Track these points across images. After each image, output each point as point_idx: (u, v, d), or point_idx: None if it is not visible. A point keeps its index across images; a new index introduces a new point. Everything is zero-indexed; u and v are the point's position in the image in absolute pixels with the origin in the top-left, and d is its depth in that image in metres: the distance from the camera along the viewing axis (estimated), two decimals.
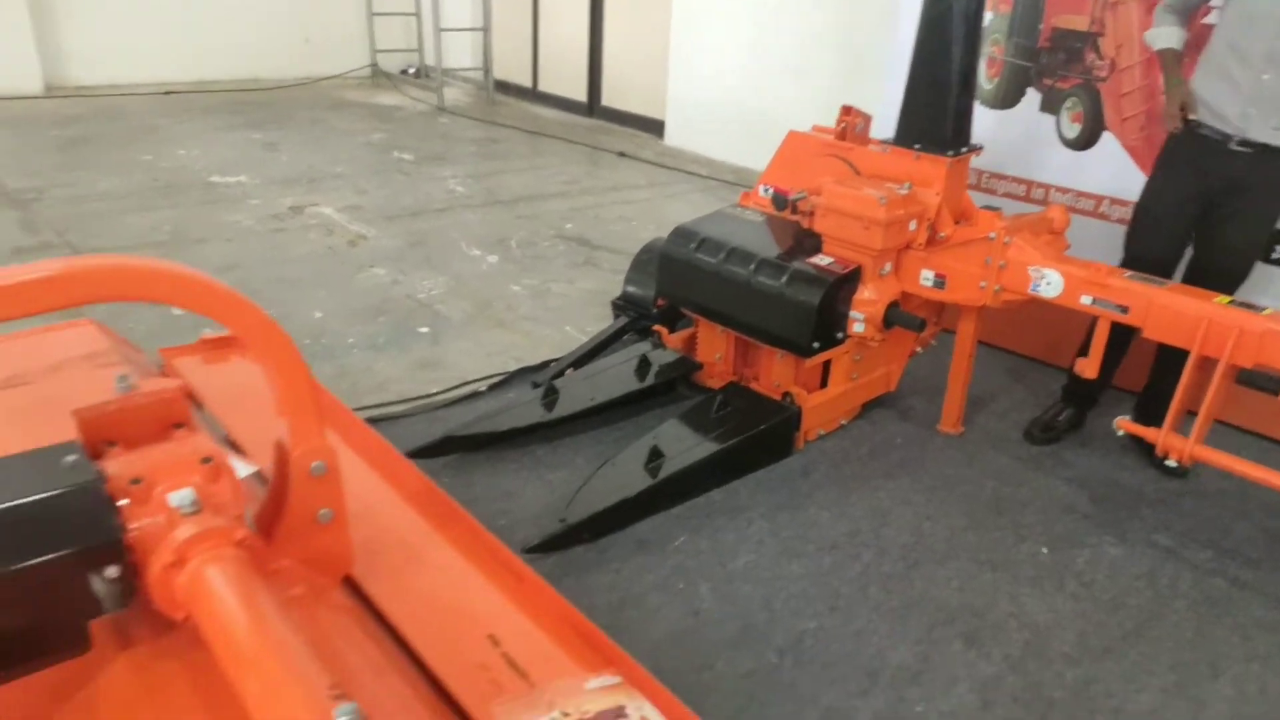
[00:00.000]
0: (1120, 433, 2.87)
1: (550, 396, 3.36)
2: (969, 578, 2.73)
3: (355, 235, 5.33)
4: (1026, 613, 2.60)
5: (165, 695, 1.37)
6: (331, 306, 4.35)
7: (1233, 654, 2.47)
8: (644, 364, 3.59)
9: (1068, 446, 3.49)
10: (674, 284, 3.59)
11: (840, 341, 3.29)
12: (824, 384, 3.45)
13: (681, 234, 3.57)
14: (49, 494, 1.33)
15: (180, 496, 1.39)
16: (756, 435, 3.20)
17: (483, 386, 3.69)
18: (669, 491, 2.97)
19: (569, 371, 3.69)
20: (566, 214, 6.03)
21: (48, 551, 1.29)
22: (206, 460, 1.50)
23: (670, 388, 3.68)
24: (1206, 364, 2.67)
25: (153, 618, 1.47)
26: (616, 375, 3.56)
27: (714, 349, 3.64)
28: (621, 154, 7.70)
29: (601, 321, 4.37)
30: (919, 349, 3.65)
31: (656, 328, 3.77)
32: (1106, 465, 3.37)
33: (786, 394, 3.33)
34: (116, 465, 1.43)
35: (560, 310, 4.52)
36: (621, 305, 4.04)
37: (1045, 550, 2.88)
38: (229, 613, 1.26)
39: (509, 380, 3.76)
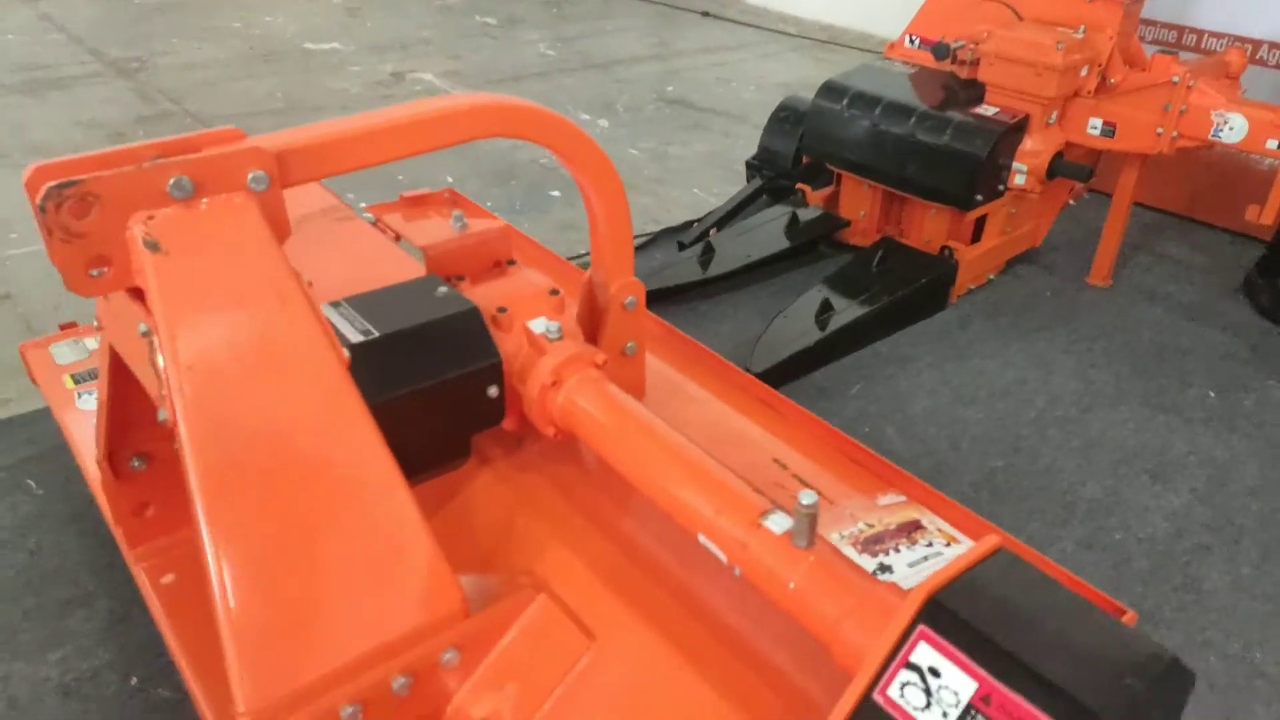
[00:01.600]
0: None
1: (707, 255, 3.42)
2: (1143, 420, 2.83)
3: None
4: (1203, 451, 2.71)
5: (529, 499, 1.51)
6: (461, 171, 4.39)
7: None
8: (794, 222, 3.63)
9: (1219, 298, 3.53)
10: (823, 141, 3.58)
11: (1001, 194, 3.30)
12: (976, 238, 3.48)
13: (832, 89, 3.54)
14: (439, 318, 1.43)
15: (544, 325, 1.50)
16: (918, 289, 3.27)
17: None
18: (840, 343, 3.07)
19: (712, 232, 3.74)
20: (664, 76, 5.94)
21: (451, 370, 1.41)
22: (554, 293, 1.60)
23: (813, 246, 3.73)
24: None
25: (503, 436, 1.61)
26: (768, 233, 3.60)
27: (859, 206, 3.67)
28: (705, 14, 7.50)
29: (725, 183, 4.39)
30: (1072, 201, 3.65)
31: (800, 186, 3.79)
32: (1259, 316, 3.41)
33: (945, 248, 3.37)
34: (478, 296, 1.53)
35: (682, 172, 4.53)
36: (757, 165, 4.04)
37: (1213, 394, 2.96)
38: (621, 424, 1.37)
39: (654, 241, 3.82)
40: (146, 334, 1.13)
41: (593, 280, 1.70)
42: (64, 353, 2.27)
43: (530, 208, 4.08)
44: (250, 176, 1.18)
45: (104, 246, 1.12)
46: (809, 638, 1.22)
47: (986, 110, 3.24)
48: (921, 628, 0.90)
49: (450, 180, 4.30)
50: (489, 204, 4.10)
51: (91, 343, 2.31)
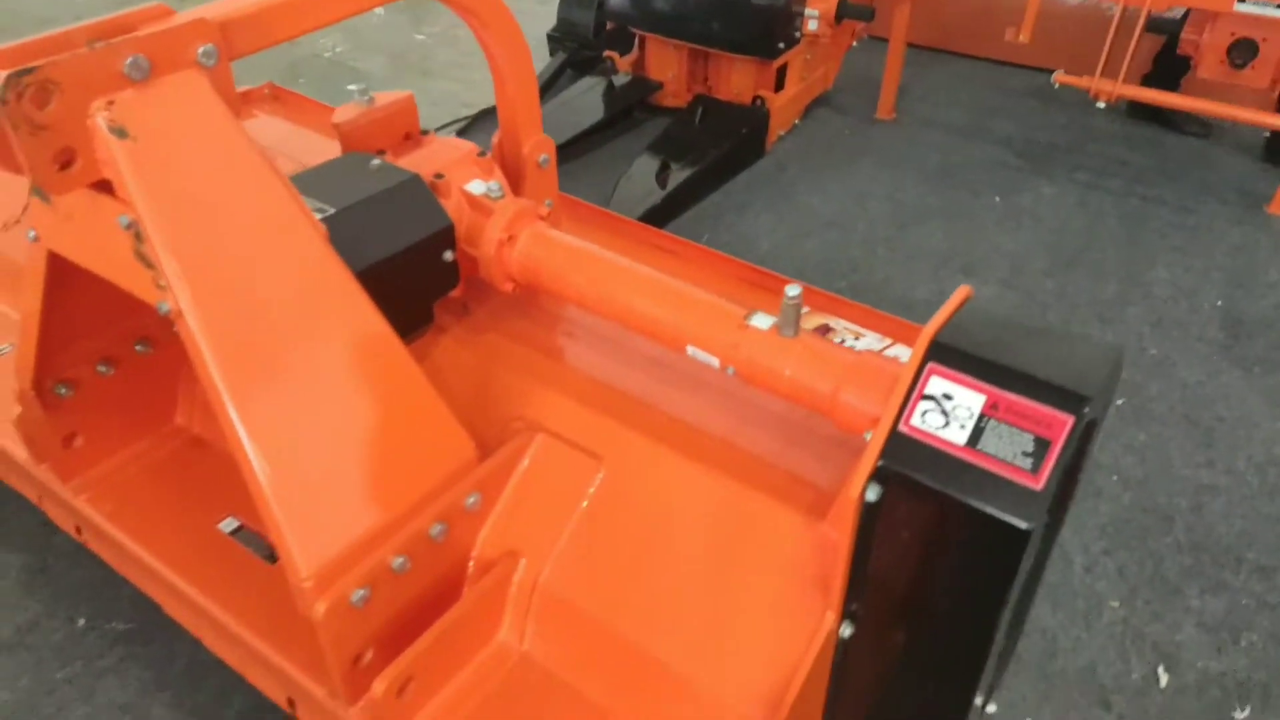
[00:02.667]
0: (1057, 85, 3.34)
1: None
2: (948, 229, 3.21)
3: None
4: (1001, 247, 3.13)
5: (495, 356, 1.57)
6: (239, 76, 4.10)
7: (1159, 247, 3.11)
8: (609, 90, 3.70)
9: (985, 117, 3.97)
10: (627, 5, 3.64)
11: (799, 41, 3.53)
12: (780, 86, 3.71)
13: None
14: (387, 188, 1.44)
15: (483, 186, 1.54)
16: (739, 140, 3.47)
17: (452, 134, 3.70)
18: (681, 198, 3.23)
19: None
20: None
21: (411, 238, 1.43)
22: (482, 153, 1.63)
23: (628, 112, 3.83)
24: (1127, 15, 3.13)
25: (450, 305, 1.65)
26: (587, 104, 3.66)
27: (667, 67, 3.79)
28: None
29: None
30: (855, 43, 3.94)
31: (608, 54, 3.84)
32: (1024, 128, 3.87)
33: (757, 98, 3.58)
34: (408, 166, 1.53)
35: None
36: (558, 38, 4.05)
37: (998, 199, 3.39)
38: (589, 264, 1.46)
39: (474, 124, 3.78)
40: (131, 225, 1.09)
41: (502, 143, 1.74)
42: None
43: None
44: (201, 51, 1.13)
45: (69, 137, 1.05)
46: (801, 416, 1.40)
47: None
48: (931, 365, 1.08)
49: None
50: None
51: None
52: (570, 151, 3.52)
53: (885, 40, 3.79)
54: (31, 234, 1.24)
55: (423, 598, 1.33)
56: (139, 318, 1.59)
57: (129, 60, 1.07)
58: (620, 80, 3.77)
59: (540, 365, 1.53)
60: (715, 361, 1.34)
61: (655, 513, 1.35)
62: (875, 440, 1.09)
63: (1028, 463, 1.01)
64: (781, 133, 3.77)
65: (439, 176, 1.51)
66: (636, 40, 3.83)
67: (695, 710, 1.24)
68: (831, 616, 1.19)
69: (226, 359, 1.13)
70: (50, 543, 1.96)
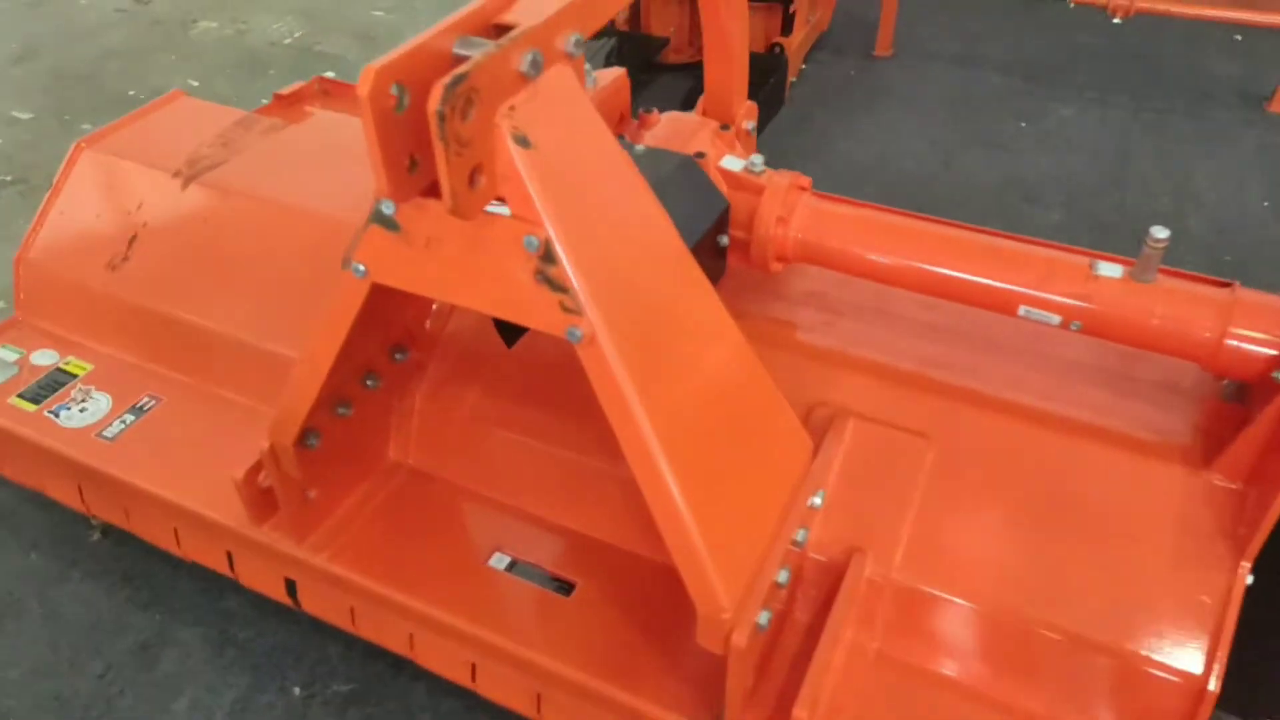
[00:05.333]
0: (1072, 5, 3.39)
1: None
2: (990, 159, 3.23)
3: None
4: (1046, 172, 3.17)
5: (768, 341, 1.47)
6: (197, 71, 3.76)
7: (1189, 156, 3.21)
8: (614, 52, 3.55)
9: (979, 43, 4.00)
10: None
11: None
12: (786, 32, 3.63)
13: None
14: (666, 174, 1.33)
15: (739, 163, 1.44)
16: (767, 91, 3.39)
17: None
18: None
19: None
20: None
21: (704, 223, 1.32)
22: (725, 127, 1.52)
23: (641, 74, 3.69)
24: None
25: None
26: (595, 66, 3.50)
27: (669, 21, 3.66)
28: None
29: None
30: None
31: None
32: (1017, 51, 3.92)
33: (775, 45, 3.50)
34: (658, 145, 1.41)
35: None
36: None
37: (1023, 124, 3.44)
38: (892, 233, 1.38)
39: None
40: (538, 246, 0.95)
41: (707, 110, 1.63)
42: None
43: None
44: (571, 40, 1.00)
45: (480, 152, 0.91)
46: (1116, 365, 1.37)
47: None
48: None
49: (195, 84, 3.68)
50: (263, 100, 3.57)
51: (6, 353, 1.81)
52: None
53: None
54: (360, 269, 1.08)
55: (787, 609, 1.25)
56: (370, 352, 1.43)
57: (528, 58, 0.93)
58: (625, 42, 3.62)
59: (825, 346, 1.46)
60: (1054, 319, 1.29)
61: (1007, 486, 1.30)
62: None
63: None
64: (792, 80, 3.71)
65: (700, 155, 1.40)
66: None
67: (1122, 674, 1.20)
68: (1245, 566, 1.17)
69: (637, 381, 1.01)
70: (221, 610, 1.77)
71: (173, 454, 1.63)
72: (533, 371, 1.51)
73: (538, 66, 0.94)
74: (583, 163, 1.01)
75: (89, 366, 1.79)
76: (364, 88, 0.86)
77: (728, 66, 1.56)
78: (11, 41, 3.95)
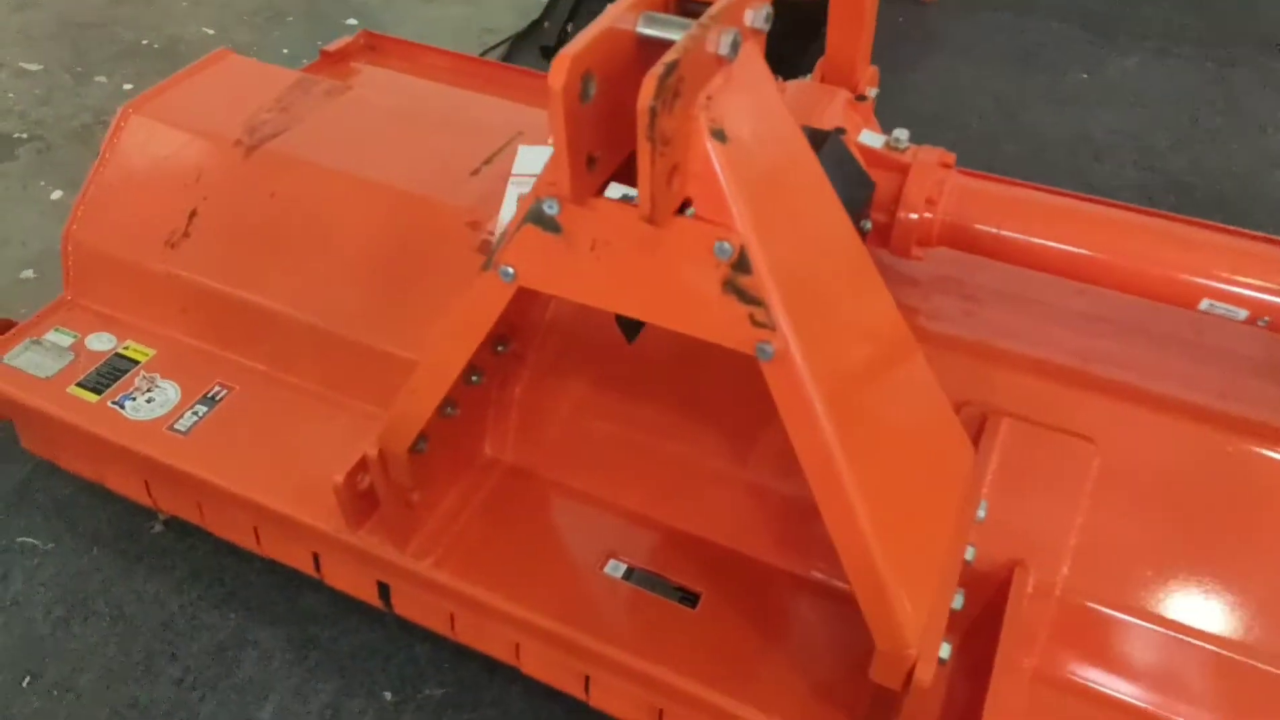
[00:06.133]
0: None
1: None
2: (1056, 113, 3.10)
3: None
4: (1114, 127, 3.03)
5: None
6: (219, 17, 3.56)
7: (1259, 108, 3.08)
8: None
9: None
10: None
11: None
12: None
13: None
14: (831, 150, 1.20)
15: (878, 138, 1.32)
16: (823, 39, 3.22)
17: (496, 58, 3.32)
18: None
19: (569, 27, 3.40)
20: None
21: (856, 205, 1.21)
22: (861, 98, 1.39)
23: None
24: None
25: None
26: None
27: None
28: None
29: None
30: None
31: None
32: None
33: None
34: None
35: None
36: None
37: (1085, 76, 3.29)
38: (1054, 220, 1.27)
39: (513, 51, 3.40)
40: (731, 253, 0.83)
41: (827, 77, 1.50)
42: (35, 360, 1.64)
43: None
44: (760, 14, 0.87)
45: (677, 149, 0.79)
46: None
47: None
48: None
49: (210, 32, 3.48)
50: (285, 52, 3.40)
51: (59, 336, 1.69)
52: None
53: None
54: (509, 272, 0.96)
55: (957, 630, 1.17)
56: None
57: (727, 37, 0.80)
58: None
59: (967, 337, 1.35)
60: (1241, 314, 1.18)
61: (1183, 494, 1.20)
62: None
63: None
64: None
65: (840, 131, 1.28)
66: None
67: None
68: None
69: (826, 400, 0.90)
70: (301, 608, 1.68)
71: (250, 448, 1.53)
72: (647, 361, 1.40)
73: (736, 47, 0.81)
74: (772, 156, 0.89)
75: (150, 352, 1.67)
76: (558, 79, 0.74)
77: (855, 27, 1.43)
78: None
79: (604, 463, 1.44)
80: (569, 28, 3.39)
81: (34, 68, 3.23)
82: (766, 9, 0.87)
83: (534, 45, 3.39)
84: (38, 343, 1.68)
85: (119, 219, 1.72)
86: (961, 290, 1.40)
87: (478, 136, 1.74)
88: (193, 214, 1.68)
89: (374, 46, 2.29)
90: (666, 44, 0.82)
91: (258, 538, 1.54)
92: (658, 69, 0.72)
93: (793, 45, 3.17)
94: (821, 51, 3.29)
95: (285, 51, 3.36)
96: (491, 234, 1.52)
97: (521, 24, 3.56)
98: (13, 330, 1.69)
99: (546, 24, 3.42)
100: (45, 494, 1.87)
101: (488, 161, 1.67)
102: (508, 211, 1.55)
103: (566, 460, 1.46)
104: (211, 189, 1.68)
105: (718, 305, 0.87)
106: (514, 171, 1.62)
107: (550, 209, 0.89)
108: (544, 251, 0.93)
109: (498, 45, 3.43)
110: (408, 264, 1.57)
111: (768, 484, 1.35)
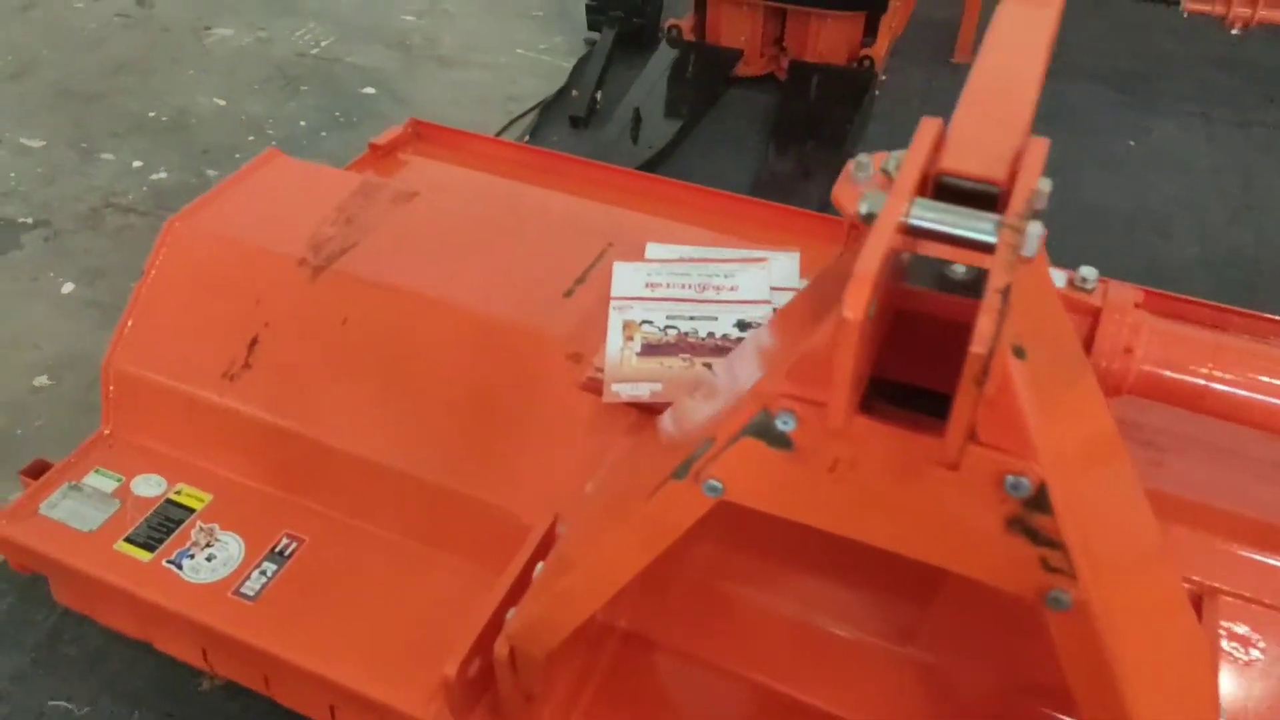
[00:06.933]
0: (1186, 14, 3.15)
1: (636, 126, 3.03)
2: (1107, 182, 3.01)
3: None
4: (1170, 197, 2.95)
5: None
6: (225, 87, 3.40)
7: None
8: (692, 66, 3.28)
9: (1060, 50, 3.76)
10: None
11: None
12: (872, 41, 3.37)
13: None
14: None
15: (1059, 273, 1.18)
16: (861, 106, 3.13)
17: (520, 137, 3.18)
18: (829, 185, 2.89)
19: (597, 95, 3.28)
20: None
21: None
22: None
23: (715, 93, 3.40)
24: None
25: None
26: (676, 91, 3.23)
27: (739, 31, 3.38)
28: None
29: (542, 32, 3.84)
30: None
31: (674, 23, 3.39)
32: (1101, 58, 3.69)
33: (865, 58, 3.23)
34: None
35: (485, 32, 3.86)
36: (600, 7, 3.55)
37: (1131, 143, 3.21)
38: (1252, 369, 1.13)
39: (543, 121, 3.26)
40: (1028, 489, 0.69)
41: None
42: (76, 510, 1.46)
43: (350, 115, 3.27)
44: (1044, 194, 0.73)
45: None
46: None
47: None
48: None
49: (221, 103, 3.32)
50: (303, 124, 3.24)
51: (101, 480, 1.51)
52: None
53: None
54: (717, 487, 0.80)
55: None
56: None
57: (1034, 231, 0.66)
58: (700, 55, 3.35)
59: (1160, 492, 1.21)
60: None
61: None
62: None
63: None
64: (876, 92, 3.45)
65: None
66: (694, 3, 3.40)
67: None
68: None
69: (1124, 650, 0.76)
70: None
71: (326, 614, 1.35)
72: (783, 523, 1.24)
73: (1035, 244, 0.67)
74: (1056, 366, 0.75)
75: (207, 497, 1.49)
76: (857, 309, 0.59)
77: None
78: (4, 53, 3.56)
79: (736, 632, 1.28)
80: (598, 96, 3.28)
81: (35, 143, 3.05)
82: (1049, 184, 0.74)
83: (562, 114, 3.27)
84: (77, 488, 1.50)
85: (168, 346, 1.55)
86: (1142, 435, 1.27)
87: (563, 248, 1.59)
88: (254, 342, 1.51)
89: (421, 135, 2.14)
90: (942, 237, 0.68)
91: (333, 715, 1.36)
92: (993, 300, 0.58)
93: (842, 113, 3.09)
94: (868, 120, 3.20)
95: (303, 124, 3.20)
96: (599, 370, 1.37)
97: (544, 90, 3.44)
98: (49, 474, 1.51)
99: (575, 92, 3.30)
100: (77, 646, 1.68)
101: (580, 280, 1.52)
102: (614, 343, 1.40)
103: (692, 628, 1.30)
104: (275, 314, 1.52)
105: (999, 545, 0.72)
106: (613, 295, 1.48)
107: (785, 425, 0.74)
108: (765, 468, 0.78)
109: (524, 114, 3.30)
110: (502, 400, 1.41)
111: (928, 663, 1.20)
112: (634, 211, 1.81)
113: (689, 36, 3.40)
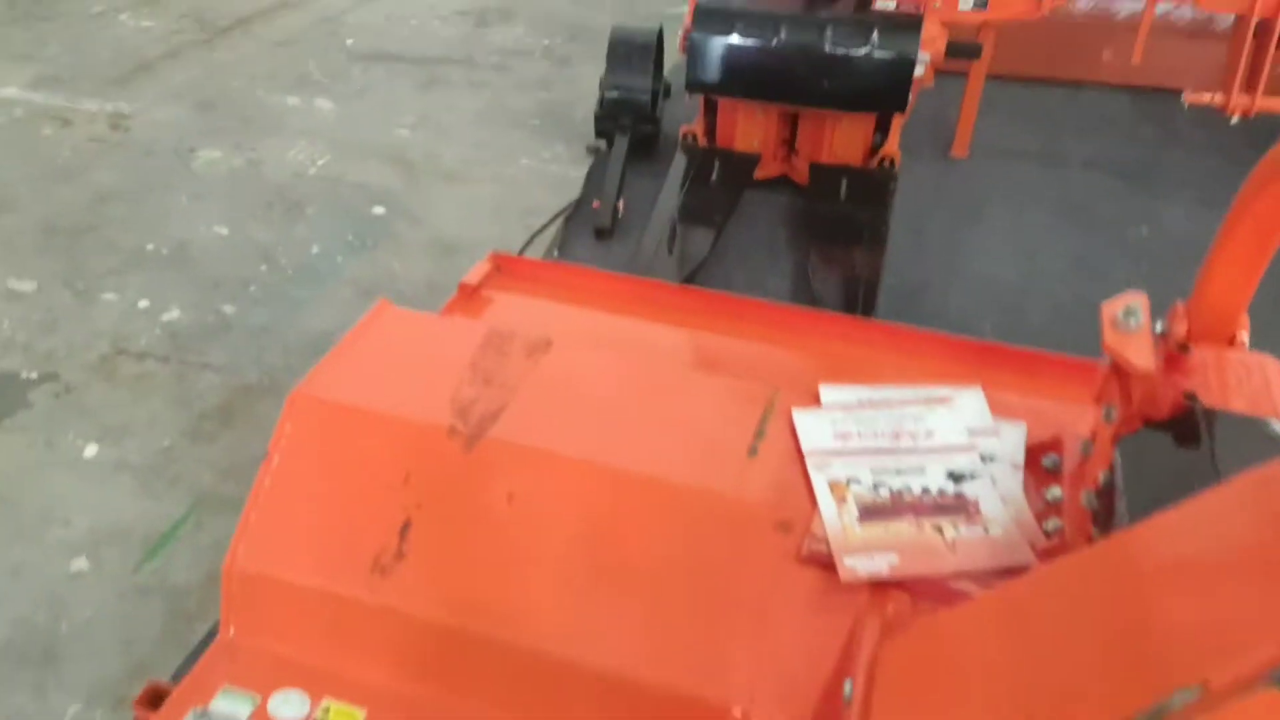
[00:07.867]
0: (1187, 106, 3.27)
1: (671, 238, 2.97)
2: (1133, 274, 3.05)
3: (99, 117, 3.83)
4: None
5: None
6: (229, 213, 3.22)
7: None
8: (709, 174, 3.25)
9: (1056, 141, 3.87)
10: (717, 72, 3.18)
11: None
12: (884, 141, 3.40)
13: (711, 15, 3.14)
14: None
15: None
16: (885, 208, 3.14)
17: (555, 252, 3.09)
18: (874, 288, 2.86)
19: (620, 204, 3.22)
20: (325, 31, 4.85)
21: None
22: None
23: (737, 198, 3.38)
24: (1261, 29, 3.10)
25: None
26: (698, 200, 3.19)
27: (753, 135, 3.38)
28: None
29: (540, 138, 3.79)
30: (928, 85, 3.70)
31: (687, 129, 3.37)
32: (1101, 149, 3.79)
33: (886, 159, 3.25)
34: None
35: (484, 144, 3.78)
36: (609, 115, 3.51)
37: (1145, 230, 3.29)
38: None
39: (566, 234, 3.18)
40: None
41: (1192, 329, 1.31)
42: None
43: (365, 241, 3.13)
44: None
45: None
46: None
47: (885, 4, 3.12)
48: None
49: (223, 231, 3.14)
50: (315, 249, 3.08)
51: (233, 704, 1.30)
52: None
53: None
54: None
55: None
56: None
57: None
58: (720, 161, 3.32)
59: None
60: None
61: None
62: None
63: None
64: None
65: None
66: (702, 107, 3.39)
67: None
68: None
69: None
70: None
71: None
72: None
73: None
74: None
75: (359, 713, 1.30)
76: None
77: (1247, 274, 1.24)
78: None
79: None
80: (620, 205, 3.22)
81: (26, 287, 2.82)
82: None
83: (584, 226, 3.19)
84: (205, 715, 1.29)
85: (303, 538, 1.37)
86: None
87: (725, 399, 1.48)
88: (406, 527, 1.35)
89: (499, 268, 2.03)
90: None
91: None
92: None
93: (875, 214, 3.09)
94: (889, 211, 3.19)
95: (315, 250, 3.05)
96: (822, 541, 1.25)
97: (557, 201, 3.37)
98: (170, 700, 1.30)
99: (597, 203, 3.23)
100: None
101: (759, 435, 1.41)
102: (827, 508, 1.28)
103: None
104: (427, 494, 1.36)
105: None
106: (804, 449, 1.37)
107: None
108: None
109: (544, 227, 3.21)
110: (707, 579, 1.27)
111: None
112: (769, 345, 1.72)
113: (703, 142, 3.38)
